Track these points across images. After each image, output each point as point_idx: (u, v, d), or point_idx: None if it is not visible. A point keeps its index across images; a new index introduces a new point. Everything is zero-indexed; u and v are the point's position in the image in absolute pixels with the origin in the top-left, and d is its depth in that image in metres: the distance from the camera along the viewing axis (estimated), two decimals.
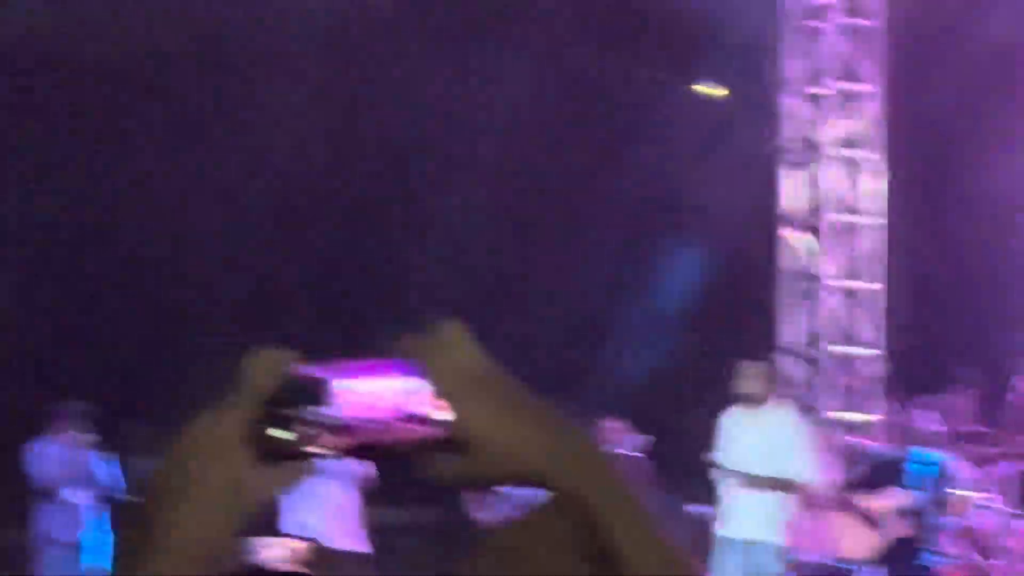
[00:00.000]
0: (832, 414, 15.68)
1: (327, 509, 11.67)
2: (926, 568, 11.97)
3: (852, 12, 15.81)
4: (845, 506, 12.25)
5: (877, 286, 15.80)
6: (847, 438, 14.90)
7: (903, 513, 12.01)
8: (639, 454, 13.36)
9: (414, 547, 14.63)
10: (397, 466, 1.61)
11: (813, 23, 15.93)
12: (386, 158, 16.11)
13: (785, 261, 15.98)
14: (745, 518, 11.27)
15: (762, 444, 11.35)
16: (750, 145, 15.74)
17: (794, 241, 15.99)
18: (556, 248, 16.26)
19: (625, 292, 16.14)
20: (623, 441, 13.43)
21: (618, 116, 16.07)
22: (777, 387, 11.43)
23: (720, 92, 16.43)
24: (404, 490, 12.21)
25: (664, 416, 12.31)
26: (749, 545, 11.26)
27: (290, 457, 1.55)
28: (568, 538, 1.65)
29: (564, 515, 1.65)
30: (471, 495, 13.12)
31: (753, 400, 11.31)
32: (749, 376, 11.33)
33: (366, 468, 11.74)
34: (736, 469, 11.38)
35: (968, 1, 15.10)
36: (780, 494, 11.37)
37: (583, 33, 16.00)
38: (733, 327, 14.95)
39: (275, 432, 1.52)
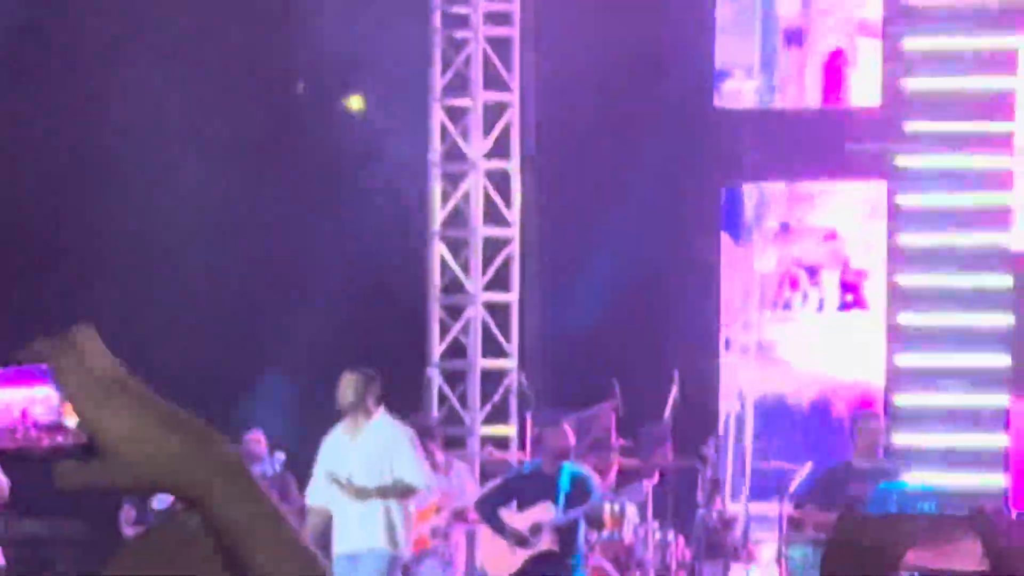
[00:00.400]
0: (480, 428, 15.81)
1: None
2: None
3: (492, 21, 16.03)
4: (491, 519, 12.30)
5: (514, 297, 16.01)
6: (493, 452, 15.06)
7: (550, 528, 12.11)
8: (278, 468, 13.27)
9: (61, 560, 14.30)
10: (43, 477, 1.57)
11: (458, 34, 16.06)
12: None
13: (434, 274, 16.06)
14: (354, 531, 11.25)
15: (365, 455, 11.36)
16: (400, 159, 15.80)
17: (442, 253, 16.09)
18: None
19: (272, 304, 15.93)
20: (264, 454, 13.32)
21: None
22: (373, 397, 11.39)
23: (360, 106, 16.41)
24: (51, 502, 12.08)
25: (311, 432, 12.16)
26: (357, 556, 11.17)
27: None
28: (201, 545, 1.64)
29: (196, 521, 1.63)
30: (125, 509, 12.92)
31: (351, 411, 11.37)
32: (345, 386, 11.37)
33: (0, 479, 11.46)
34: (341, 481, 11.38)
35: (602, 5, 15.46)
36: (389, 503, 11.37)
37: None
38: (384, 341, 14.93)
39: None
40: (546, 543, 12.18)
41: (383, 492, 11.33)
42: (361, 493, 11.28)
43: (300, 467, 12.47)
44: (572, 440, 12.43)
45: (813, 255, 16.21)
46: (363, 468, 11.35)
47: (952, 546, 2.61)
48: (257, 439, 13.45)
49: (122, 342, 1.67)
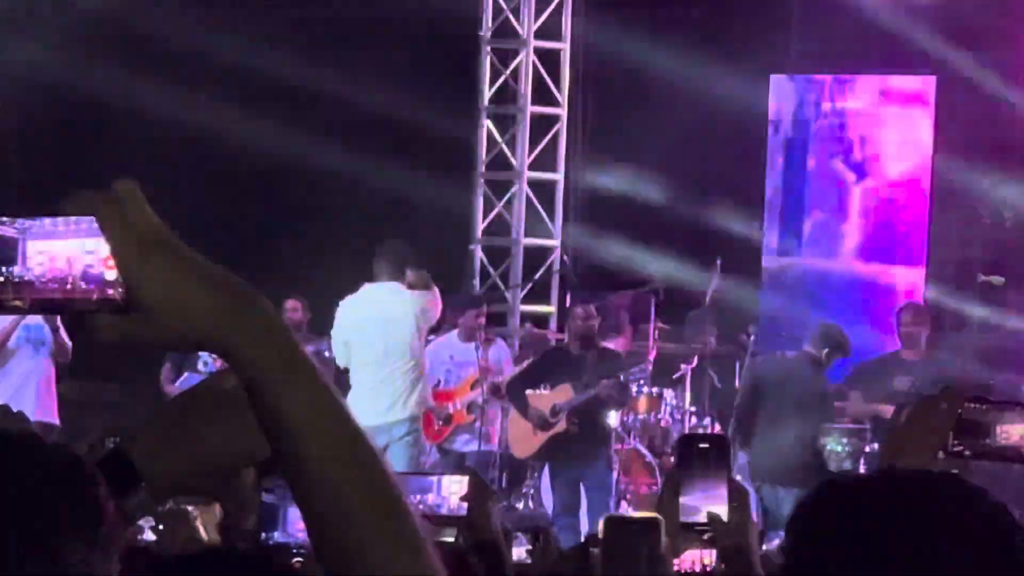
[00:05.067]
0: (521, 305, 15.82)
1: (18, 379, 11.57)
2: (591, 463, 12.07)
3: (542, 35, 15.93)
4: (517, 400, 12.31)
5: (559, 175, 15.91)
6: (533, 330, 15.07)
7: (568, 409, 12.09)
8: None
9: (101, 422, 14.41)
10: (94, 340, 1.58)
11: (506, 45, 15.93)
12: None
13: (481, 149, 16.05)
14: (372, 403, 11.03)
15: (377, 319, 11.34)
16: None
17: (489, 127, 16.03)
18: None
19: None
20: (303, 323, 13.31)
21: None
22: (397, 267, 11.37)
23: None
24: (92, 365, 12.20)
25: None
26: (378, 429, 10.98)
27: None
28: (239, 405, 1.67)
29: (233, 382, 1.68)
30: (165, 368, 12.92)
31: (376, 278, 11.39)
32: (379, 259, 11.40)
33: (61, 340, 11.57)
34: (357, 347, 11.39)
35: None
36: (404, 372, 11.37)
37: None
38: (431, 213, 14.93)
39: None
40: (565, 424, 12.17)
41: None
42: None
43: None
44: (595, 321, 12.39)
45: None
46: (376, 331, 11.37)
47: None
48: (295, 307, 13.40)
49: (156, 201, 1.61)
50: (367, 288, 11.56)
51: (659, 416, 13.17)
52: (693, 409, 13.26)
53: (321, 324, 12.58)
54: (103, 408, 13.96)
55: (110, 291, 1.55)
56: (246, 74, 14.91)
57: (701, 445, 3.52)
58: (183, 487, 1.91)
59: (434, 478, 4.03)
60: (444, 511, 3.91)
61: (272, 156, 15.19)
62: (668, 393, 13.23)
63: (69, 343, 11.67)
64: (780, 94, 16.30)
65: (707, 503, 3.44)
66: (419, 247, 11.94)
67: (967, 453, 2.71)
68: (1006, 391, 11.38)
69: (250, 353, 1.60)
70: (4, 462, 1.70)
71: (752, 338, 13.05)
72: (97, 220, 1.55)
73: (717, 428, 12.68)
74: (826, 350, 11.82)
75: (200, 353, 11.14)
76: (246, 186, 15.94)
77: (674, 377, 13.46)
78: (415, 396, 11.44)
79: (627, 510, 11.67)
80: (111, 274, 1.55)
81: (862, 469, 11.12)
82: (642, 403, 13.06)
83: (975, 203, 15.42)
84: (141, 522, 2.57)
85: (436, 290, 11.63)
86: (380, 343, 11.34)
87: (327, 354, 11.75)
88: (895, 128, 16.00)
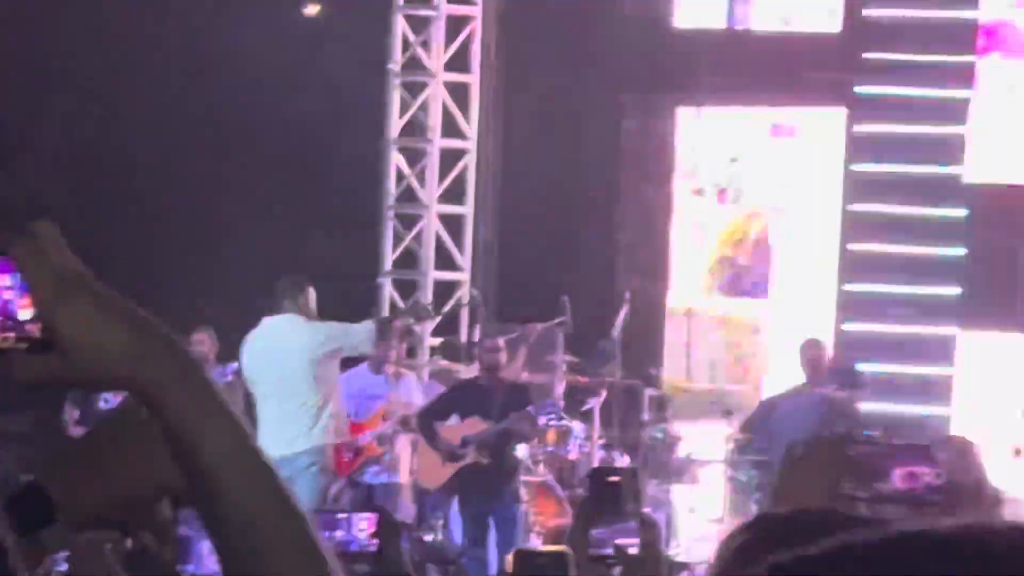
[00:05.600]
0: (430, 338, 15.82)
1: None
2: (499, 495, 12.08)
3: (451, 69, 15.95)
4: (427, 432, 12.31)
5: (468, 209, 16.01)
6: (442, 363, 15.06)
7: (478, 441, 12.11)
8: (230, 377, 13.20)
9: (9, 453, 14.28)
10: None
11: (415, 78, 15.97)
12: None
13: (390, 183, 16.06)
14: (275, 435, 10.86)
15: (273, 351, 11.35)
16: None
17: (398, 162, 16.06)
18: None
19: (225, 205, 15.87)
20: (211, 356, 13.22)
21: None
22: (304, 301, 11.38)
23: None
24: None
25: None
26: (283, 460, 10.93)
27: None
28: (150, 440, 1.70)
29: (144, 416, 1.66)
30: (68, 409, 12.83)
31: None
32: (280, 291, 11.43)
33: None
34: (258, 380, 11.39)
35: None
36: (305, 403, 11.35)
37: None
38: (336, 250, 14.92)
39: None
40: (474, 456, 12.18)
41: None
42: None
43: None
44: (503, 355, 12.43)
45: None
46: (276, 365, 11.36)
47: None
48: (201, 339, 13.31)
49: (74, 240, 1.62)
50: (265, 321, 11.55)
51: (568, 449, 13.20)
52: (602, 442, 13.30)
53: (229, 355, 12.54)
54: (9, 439, 13.85)
55: (27, 328, 1.54)
56: (153, 104, 14.86)
57: (611, 478, 3.54)
58: (100, 519, 1.91)
59: (344, 515, 4.06)
60: (355, 548, 3.93)
61: (178, 189, 15.13)
62: (577, 426, 13.26)
63: None
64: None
65: (616, 536, 3.46)
66: (329, 281, 11.94)
67: (860, 495, 2.62)
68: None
69: (168, 394, 1.61)
70: None
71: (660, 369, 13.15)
72: (14, 258, 1.55)
73: (627, 460, 12.73)
74: None
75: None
76: (151, 215, 15.85)
77: (582, 410, 13.50)
78: (319, 426, 11.39)
79: (536, 543, 11.69)
80: (26, 313, 1.54)
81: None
82: (551, 435, 13.08)
83: None
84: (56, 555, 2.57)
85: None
86: (275, 375, 11.32)
87: (228, 378, 11.77)
88: None
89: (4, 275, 1.55)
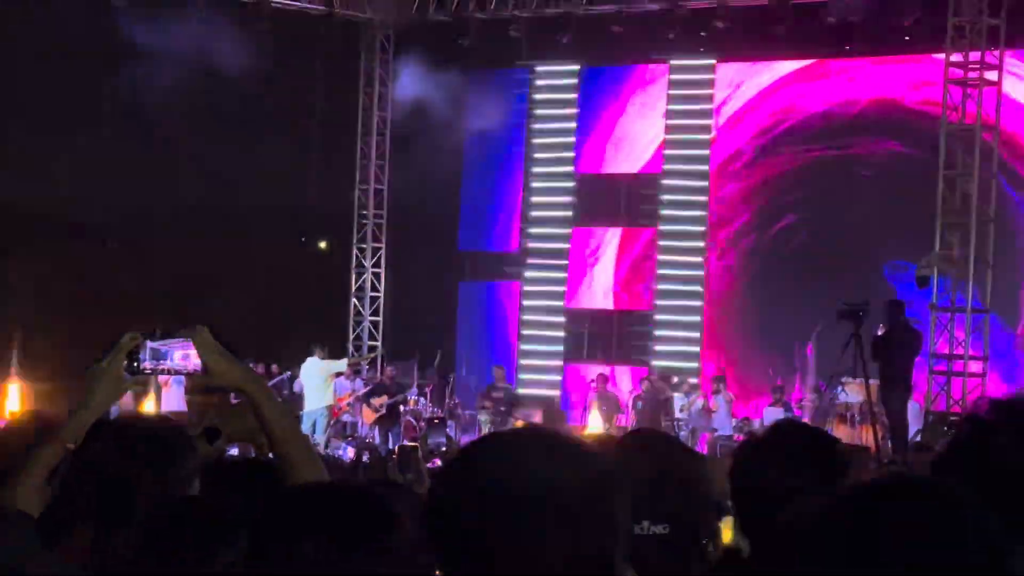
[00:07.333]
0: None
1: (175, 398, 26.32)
2: None
3: None
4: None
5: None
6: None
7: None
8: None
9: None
10: None
11: None
12: None
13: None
14: (312, 400, 24.13)
15: (311, 370, 24.28)
16: None
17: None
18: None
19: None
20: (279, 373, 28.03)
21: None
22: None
23: None
24: None
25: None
26: (314, 411, 23.88)
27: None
28: (247, 412, 3.55)
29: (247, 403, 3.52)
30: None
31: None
32: None
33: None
34: (306, 379, 25.07)
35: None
36: (321, 388, 25.24)
37: None
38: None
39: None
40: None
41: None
42: None
43: None
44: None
45: None
46: None
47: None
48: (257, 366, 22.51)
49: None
50: (308, 359, 26.20)
51: None
52: None
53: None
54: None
55: (198, 364, 3.46)
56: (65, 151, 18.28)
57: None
58: (230, 439, 3.87)
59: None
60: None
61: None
62: None
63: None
64: None
65: None
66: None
67: None
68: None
69: (256, 396, 3.39)
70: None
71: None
72: (193, 340, 3.39)
73: None
74: None
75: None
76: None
77: None
78: (326, 397, 23.89)
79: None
80: (198, 361, 3.42)
81: None
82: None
83: None
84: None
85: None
86: (311, 379, 26.08)
87: (284, 379, 27.21)
88: None
89: (190, 348, 3.43)
